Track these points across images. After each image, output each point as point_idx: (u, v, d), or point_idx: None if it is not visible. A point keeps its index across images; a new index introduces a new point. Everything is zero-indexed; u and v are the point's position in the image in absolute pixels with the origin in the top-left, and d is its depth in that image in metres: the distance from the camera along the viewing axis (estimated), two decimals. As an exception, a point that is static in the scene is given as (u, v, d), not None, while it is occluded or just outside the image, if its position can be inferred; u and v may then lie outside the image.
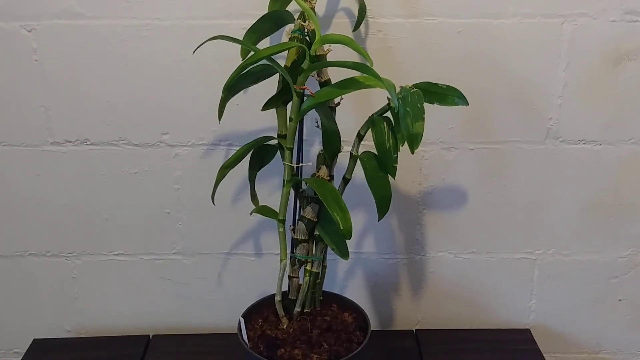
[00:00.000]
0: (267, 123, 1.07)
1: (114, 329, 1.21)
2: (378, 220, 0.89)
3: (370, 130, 0.86)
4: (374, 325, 1.23)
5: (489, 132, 1.11)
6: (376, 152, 0.87)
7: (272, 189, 1.13)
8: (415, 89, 0.83)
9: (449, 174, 1.14)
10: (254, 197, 1.00)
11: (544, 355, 1.12)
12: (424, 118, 0.82)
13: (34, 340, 1.16)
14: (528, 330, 1.19)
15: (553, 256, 1.19)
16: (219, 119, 0.88)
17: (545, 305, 1.23)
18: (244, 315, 0.95)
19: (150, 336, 1.17)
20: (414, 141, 0.81)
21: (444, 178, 1.14)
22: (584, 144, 1.12)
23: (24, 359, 1.11)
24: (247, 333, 0.92)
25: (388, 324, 1.23)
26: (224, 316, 1.22)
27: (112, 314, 1.21)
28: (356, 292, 1.21)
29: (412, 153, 0.82)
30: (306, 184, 0.92)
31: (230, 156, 0.92)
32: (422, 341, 1.15)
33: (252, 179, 0.98)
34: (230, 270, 1.19)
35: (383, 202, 0.88)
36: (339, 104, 0.93)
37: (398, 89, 0.83)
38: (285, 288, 0.97)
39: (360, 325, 0.95)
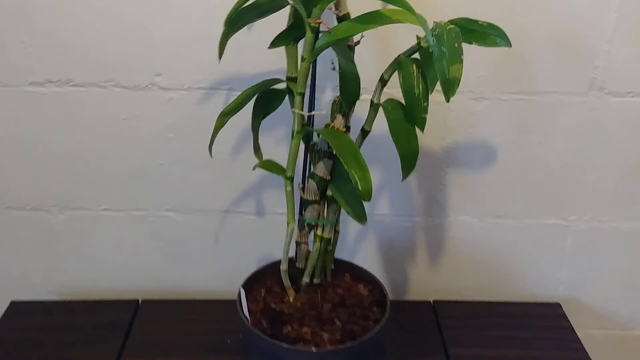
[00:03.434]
0: (274, 64, 0.94)
1: (100, 290, 1.11)
2: (402, 179, 0.77)
3: (396, 74, 0.73)
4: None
5: (525, 81, 0.98)
6: (401, 100, 0.75)
7: (277, 140, 1.01)
8: (451, 26, 0.70)
9: (477, 128, 1.01)
10: (257, 149, 0.87)
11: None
12: (462, 60, 0.68)
13: (12, 302, 1.05)
14: (558, 305, 1.08)
15: (589, 223, 1.07)
16: (219, 58, 0.75)
17: (577, 276, 1.11)
18: (245, 285, 0.84)
19: (140, 301, 1.06)
20: (450, 88, 0.68)
21: (471, 132, 1.02)
22: (632, 96, 0.98)
23: (0, 323, 1.00)
24: (248, 306, 0.80)
25: (401, 293, 1.13)
26: (221, 281, 1.11)
27: (98, 274, 1.10)
28: (367, 258, 1.10)
29: (448, 101, 0.69)
30: (319, 135, 0.80)
31: (231, 102, 0.79)
32: (440, 314, 1.04)
33: (255, 128, 0.85)
34: (229, 230, 1.08)
35: (409, 158, 0.76)
36: (358, 42, 0.79)
37: (431, 25, 0.69)
38: (292, 255, 0.85)
39: (377, 300, 0.84)
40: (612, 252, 1.09)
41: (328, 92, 0.97)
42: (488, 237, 1.09)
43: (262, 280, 0.87)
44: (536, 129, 1.01)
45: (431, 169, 1.04)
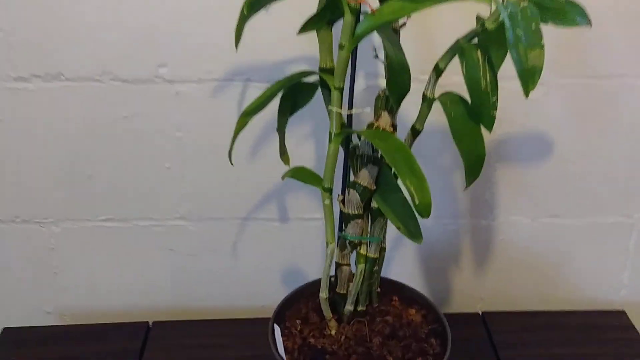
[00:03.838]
0: (299, 51, 0.80)
1: (104, 311, 0.98)
2: (465, 188, 0.64)
3: (459, 62, 0.59)
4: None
5: (588, 63, 0.84)
6: (461, 94, 0.62)
7: (300, 139, 0.87)
8: (526, 3, 0.56)
9: (532, 117, 0.88)
10: (283, 152, 0.74)
11: (641, 340, 0.90)
12: (543, 45, 0.55)
13: (4, 329, 0.92)
14: (623, 313, 0.95)
15: (656, 220, 0.95)
16: (236, 45, 0.62)
17: (641, 280, 0.99)
18: (276, 316, 0.71)
19: (150, 323, 0.93)
20: (530, 78, 0.55)
21: (524, 123, 0.88)
22: None
23: (-7, 353, 0.88)
24: (283, 343, 0.67)
25: (444, 304, 1.00)
26: (242, 296, 0.98)
27: (101, 293, 0.98)
28: (405, 266, 0.97)
29: (527, 96, 0.56)
30: (360, 138, 0.67)
31: (254, 99, 0.66)
32: (492, 328, 0.92)
33: (282, 128, 0.72)
34: (248, 239, 0.95)
35: (474, 163, 0.63)
36: (404, 25, 0.66)
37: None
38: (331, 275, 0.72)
39: (434, 329, 0.71)
40: (684, 253, 0.96)
41: (360, 83, 0.84)
42: (541, 239, 0.96)
43: (296, 306, 0.74)
44: (599, 116, 0.88)
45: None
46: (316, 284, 0.75)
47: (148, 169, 0.89)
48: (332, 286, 0.70)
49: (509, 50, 0.54)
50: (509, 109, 0.86)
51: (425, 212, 0.59)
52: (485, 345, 0.89)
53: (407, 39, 0.67)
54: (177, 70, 0.83)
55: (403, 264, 0.97)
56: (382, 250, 0.70)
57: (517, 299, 0.99)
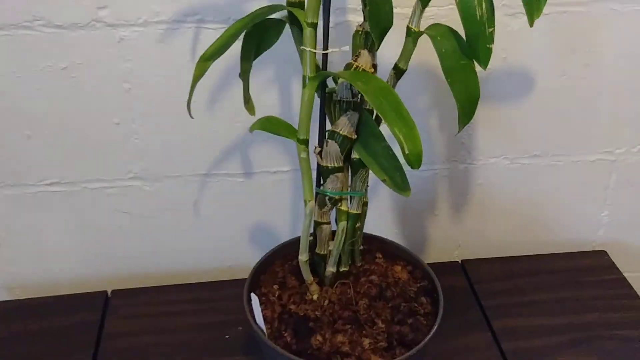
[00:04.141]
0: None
1: (57, 282, 0.90)
2: (458, 132, 0.58)
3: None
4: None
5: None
6: (449, 27, 0.55)
7: (266, 85, 0.79)
8: None
9: (512, 51, 0.82)
10: (247, 99, 0.66)
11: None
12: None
13: (-56, 311, 0.84)
14: (604, 253, 0.93)
15: (638, 155, 0.91)
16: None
17: (620, 217, 0.96)
18: (251, 282, 0.64)
19: (109, 292, 0.86)
20: (536, 4, 0.49)
21: (504, 57, 0.82)
22: (700, 2, 0.80)
23: None
24: (262, 312, 0.61)
25: (422, 253, 0.95)
26: (206, 259, 0.91)
27: (52, 263, 0.89)
28: (379, 215, 0.92)
29: (532, 24, 0.49)
30: (336, 82, 0.59)
31: (213, 42, 0.57)
32: (473, 277, 0.88)
33: (245, 73, 0.63)
34: (211, 197, 0.87)
35: (468, 104, 0.56)
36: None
37: None
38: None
39: (423, 287, 0.66)
40: (666, 188, 0.93)
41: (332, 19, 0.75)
42: (521, 181, 0.91)
43: (271, 271, 0.67)
44: (584, 47, 0.82)
45: (455, 104, 0.84)
46: (291, 244, 0.69)
47: (94, 126, 0.80)
48: (311, 247, 0.64)
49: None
50: (488, 43, 0.79)
51: (416, 162, 0.52)
52: (467, 294, 0.85)
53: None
54: (119, 12, 0.73)
55: (377, 214, 0.91)
56: (365, 204, 0.64)
57: (496, 245, 0.95)
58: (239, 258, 0.92)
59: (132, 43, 0.75)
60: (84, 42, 0.74)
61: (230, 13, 0.75)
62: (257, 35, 0.61)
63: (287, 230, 0.91)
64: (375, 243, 0.70)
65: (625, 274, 0.89)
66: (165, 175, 0.85)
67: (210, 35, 0.76)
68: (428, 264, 0.91)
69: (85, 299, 0.84)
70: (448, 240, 0.95)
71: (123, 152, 0.82)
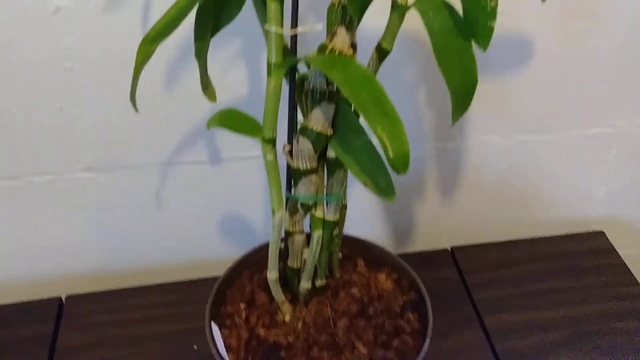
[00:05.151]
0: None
1: (4, 288, 0.81)
2: (452, 123, 0.50)
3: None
4: (389, 245, 0.87)
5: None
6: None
7: (226, 62, 0.69)
8: None
9: (508, 18, 0.72)
10: (206, 84, 0.56)
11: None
12: None
13: None
14: (602, 234, 0.86)
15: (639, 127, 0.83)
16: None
17: (619, 194, 0.89)
18: (215, 299, 0.56)
19: (63, 298, 0.77)
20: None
21: (498, 23, 0.72)
22: None
23: None
24: (224, 340, 0.52)
25: (408, 241, 0.88)
26: (173, 254, 0.83)
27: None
28: (361, 199, 0.83)
29: (544, -1, 0.40)
30: (309, 67, 0.50)
31: (159, 18, 0.47)
32: (464, 267, 0.80)
33: (202, 53, 0.53)
34: (175, 187, 0.78)
35: (463, 92, 0.47)
36: None
37: None
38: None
39: (411, 300, 0.58)
40: (671, 162, 0.86)
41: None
42: (515, 159, 0.83)
43: (239, 284, 0.59)
44: (585, 11, 0.73)
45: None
46: (261, 250, 0.60)
47: (34, 112, 0.70)
48: (282, 256, 0.55)
49: None
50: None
51: (402, 166, 0.43)
52: (457, 286, 0.78)
53: None
54: (53, -21, 0.63)
55: (359, 197, 0.83)
56: (343, 208, 0.55)
57: (488, 228, 0.88)
58: (211, 252, 0.84)
59: (70, 14, 0.65)
60: (13, 14, 0.64)
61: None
62: (213, 8, 0.51)
63: (261, 220, 0.82)
64: (356, 247, 0.62)
65: (624, 251, 0.83)
66: (120, 166, 0.75)
67: (164, 2, 0.66)
68: (416, 253, 0.84)
69: (36, 307, 0.75)
70: (437, 225, 0.87)
71: (69, 141, 0.72)
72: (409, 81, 0.75)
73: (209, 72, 0.56)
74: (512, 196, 0.86)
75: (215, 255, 0.83)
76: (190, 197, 0.79)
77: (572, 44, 0.75)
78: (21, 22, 0.64)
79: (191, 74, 0.69)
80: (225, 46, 0.68)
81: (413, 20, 0.52)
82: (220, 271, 0.62)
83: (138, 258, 0.82)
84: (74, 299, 0.76)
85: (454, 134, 0.80)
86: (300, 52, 0.52)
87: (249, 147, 0.76)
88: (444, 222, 0.87)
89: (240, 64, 0.69)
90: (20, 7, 0.63)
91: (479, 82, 0.76)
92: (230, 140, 0.76)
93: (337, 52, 0.47)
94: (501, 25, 0.72)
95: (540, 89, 0.78)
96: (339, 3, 0.47)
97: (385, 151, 0.43)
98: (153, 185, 0.78)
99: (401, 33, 0.49)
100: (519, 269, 0.80)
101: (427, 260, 0.81)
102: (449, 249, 0.84)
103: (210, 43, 0.54)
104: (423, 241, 0.87)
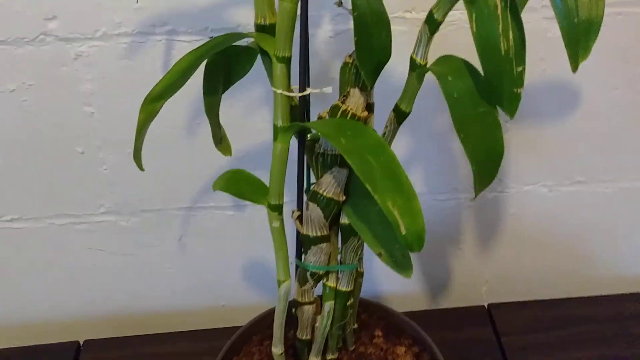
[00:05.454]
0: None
1: (22, 330, 0.79)
2: (474, 197, 0.45)
3: (465, 10, 0.38)
4: (422, 299, 0.82)
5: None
6: (465, 60, 0.41)
7: (251, 104, 0.66)
8: None
9: (553, 61, 0.67)
10: (219, 139, 0.54)
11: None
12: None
13: None
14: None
15: (703, 180, 0.76)
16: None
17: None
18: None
19: (81, 343, 0.75)
20: (583, 42, 0.35)
21: (544, 69, 0.68)
22: None
23: None
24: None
25: (442, 297, 0.82)
26: (195, 299, 0.80)
27: (17, 309, 0.79)
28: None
29: (575, 70, 0.35)
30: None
31: (163, 76, 0.45)
32: (500, 325, 0.74)
33: (211, 109, 0.51)
34: (197, 232, 0.75)
35: (487, 163, 0.43)
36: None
37: None
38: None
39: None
40: None
41: (325, 29, 0.61)
42: (561, 211, 0.77)
43: (247, 351, 0.55)
44: (636, 57, 0.67)
45: (482, 124, 0.70)
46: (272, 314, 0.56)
47: (55, 156, 0.69)
48: (293, 324, 0.51)
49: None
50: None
51: (417, 244, 0.39)
52: (492, 350, 0.72)
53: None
54: (72, 23, 0.61)
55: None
56: (359, 276, 0.51)
57: (530, 284, 0.82)
58: (233, 297, 0.81)
59: (90, 60, 0.63)
60: (34, 60, 0.63)
61: (208, 22, 0.62)
62: (223, 65, 0.48)
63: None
64: (375, 314, 0.57)
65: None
66: (142, 209, 0.73)
67: (185, 48, 0.63)
68: (450, 308, 0.79)
69: (54, 350, 0.74)
70: (475, 279, 0.82)
71: (91, 184, 0.71)
72: (443, 127, 0.70)
73: (229, 118, 0.53)
74: (557, 250, 0.80)
75: (237, 301, 0.80)
76: (212, 244, 0.76)
77: (626, 89, 0.69)
78: (41, 68, 0.63)
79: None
80: (247, 93, 0.65)
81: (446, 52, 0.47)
82: (242, 319, 0.59)
83: (159, 303, 0.80)
84: (91, 343, 0.75)
85: (494, 184, 0.74)
86: (314, 109, 0.49)
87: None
88: (482, 275, 0.81)
89: (259, 110, 0.66)
90: (41, 52, 0.62)
91: (524, 130, 0.71)
92: (254, 186, 0.72)
93: (350, 114, 0.43)
94: (547, 70, 0.68)
95: (588, 137, 0.72)
96: (352, 61, 0.44)
97: (397, 227, 0.38)
98: (175, 229, 0.75)
99: (430, 82, 0.45)
100: (563, 332, 0.74)
101: (461, 317, 0.76)
102: (486, 305, 0.78)
103: (230, 89, 0.51)
104: (459, 296, 0.82)
